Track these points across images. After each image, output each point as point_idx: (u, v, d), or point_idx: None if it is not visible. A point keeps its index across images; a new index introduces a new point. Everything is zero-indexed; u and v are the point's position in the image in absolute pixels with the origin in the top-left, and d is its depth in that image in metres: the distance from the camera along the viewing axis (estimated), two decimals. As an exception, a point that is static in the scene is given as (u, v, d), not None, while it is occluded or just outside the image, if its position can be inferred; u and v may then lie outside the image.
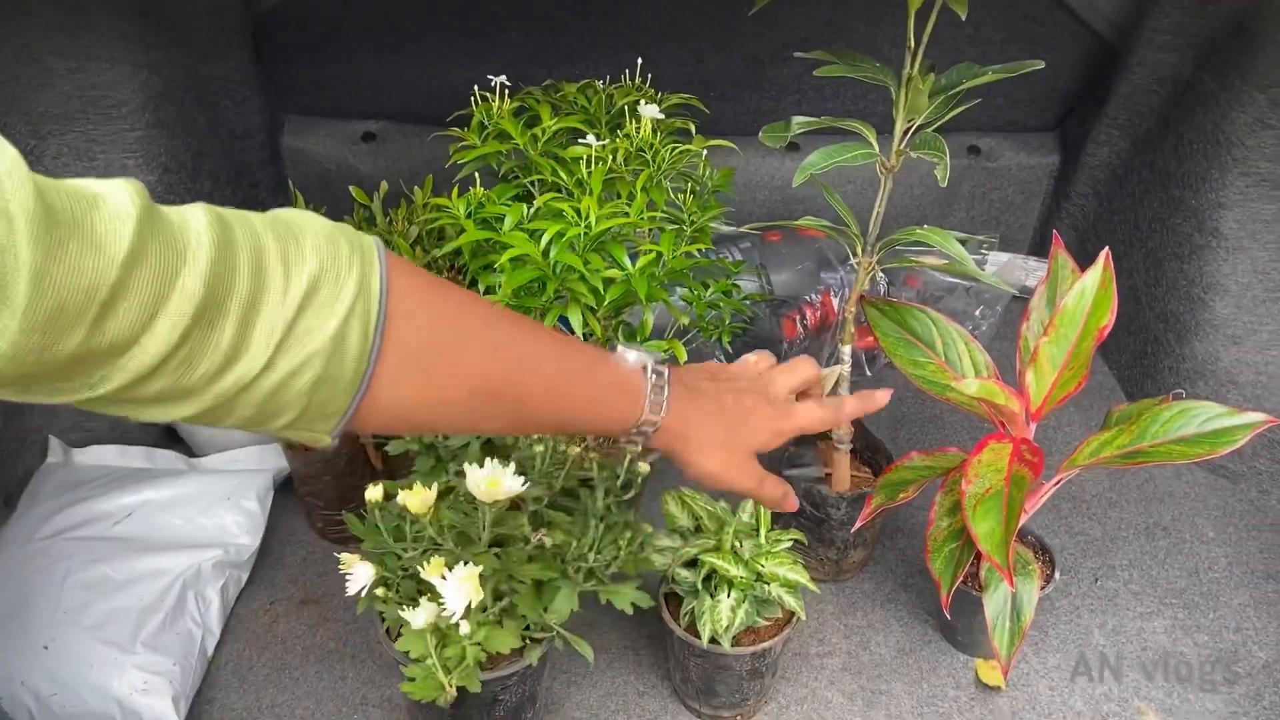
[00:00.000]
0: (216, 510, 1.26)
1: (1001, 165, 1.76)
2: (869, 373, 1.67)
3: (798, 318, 1.62)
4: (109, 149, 1.36)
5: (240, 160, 1.63)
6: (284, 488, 1.38)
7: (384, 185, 1.31)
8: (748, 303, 1.25)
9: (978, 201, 1.79)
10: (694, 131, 1.18)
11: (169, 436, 1.44)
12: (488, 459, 0.91)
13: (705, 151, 1.16)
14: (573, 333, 1.11)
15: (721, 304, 1.15)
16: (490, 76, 1.10)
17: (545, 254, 0.99)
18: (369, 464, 1.29)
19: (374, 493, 0.96)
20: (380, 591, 0.96)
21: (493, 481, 0.90)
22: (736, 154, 1.73)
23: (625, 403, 0.71)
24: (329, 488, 1.29)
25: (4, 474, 1.32)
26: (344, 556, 0.96)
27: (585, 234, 1.00)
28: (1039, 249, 1.83)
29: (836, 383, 1.21)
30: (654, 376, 0.73)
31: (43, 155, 1.32)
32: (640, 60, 1.64)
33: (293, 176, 1.77)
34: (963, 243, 1.70)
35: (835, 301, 1.65)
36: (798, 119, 1.10)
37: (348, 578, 0.95)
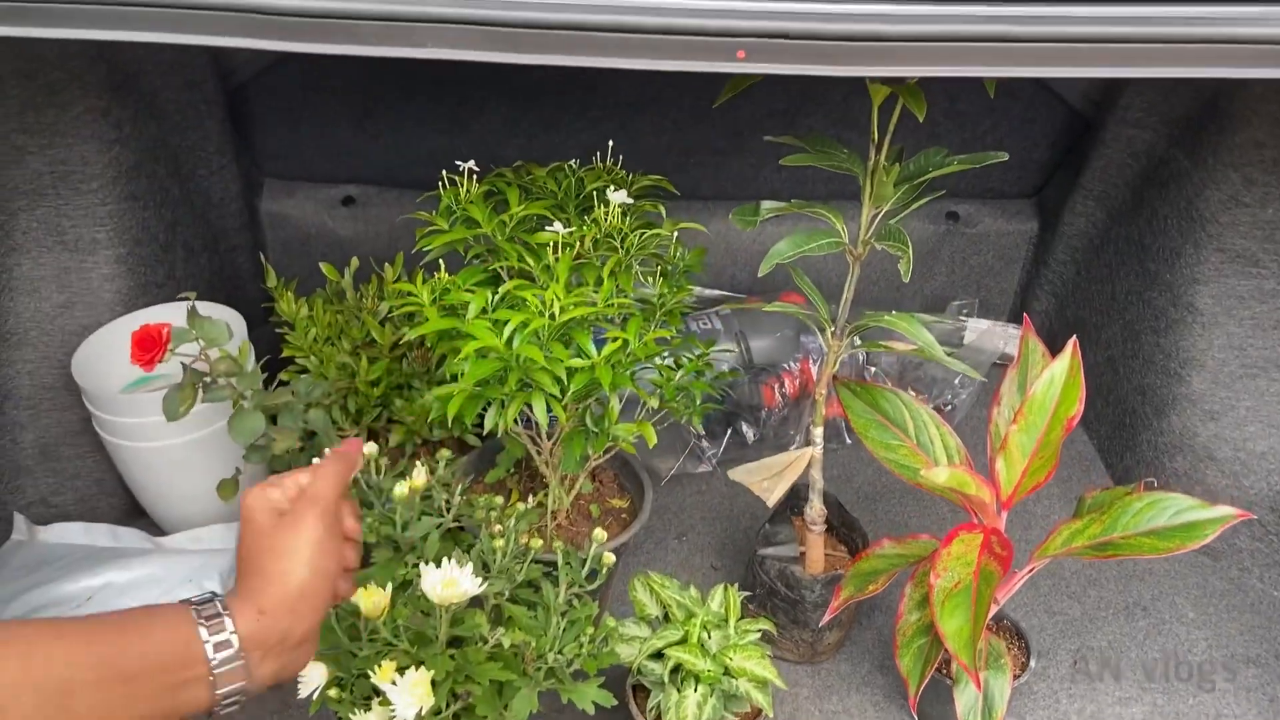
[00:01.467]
0: (178, 593, 1.23)
1: (980, 231, 1.76)
2: (849, 440, 1.66)
3: (776, 385, 1.61)
4: (79, 223, 1.35)
5: (217, 227, 1.63)
6: (252, 564, 1.36)
7: (354, 261, 1.30)
8: (720, 383, 1.24)
9: (957, 266, 1.78)
10: (664, 213, 1.17)
11: (136, 511, 1.42)
12: (445, 558, 0.90)
13: (676, 232, 1.15)
14: (532, 424, 1.10)
15: (692, 385, 1.14)
16: (459, 163, 1.09)
17: (509, 344, 0.98)
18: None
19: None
20: (334, 692, 0.94)
21: (449, 583, 0.88)
22: (717, 217, 1.74)
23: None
24: (295, 568, 1.27)
25: (-35, 552, 1.31)
26: (300, 654, 0.94)
27: (550, 323, 0.99)
28: (1019, 315, 1.82)
29: (809, 465, 1.20)
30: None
31: (12, 231, 1.32)
32: (620, 127, 1.65)
33: (272, 241, 1.76)
34: (939, 311, 1.70)
35: (814, 369, 1.64)
36: (766, 204, 1.10)
37: (300, 679, 0.93)
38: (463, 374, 0.98)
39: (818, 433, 1.19)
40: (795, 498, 1.31)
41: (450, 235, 1.05)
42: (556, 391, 0.99)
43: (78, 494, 1.40)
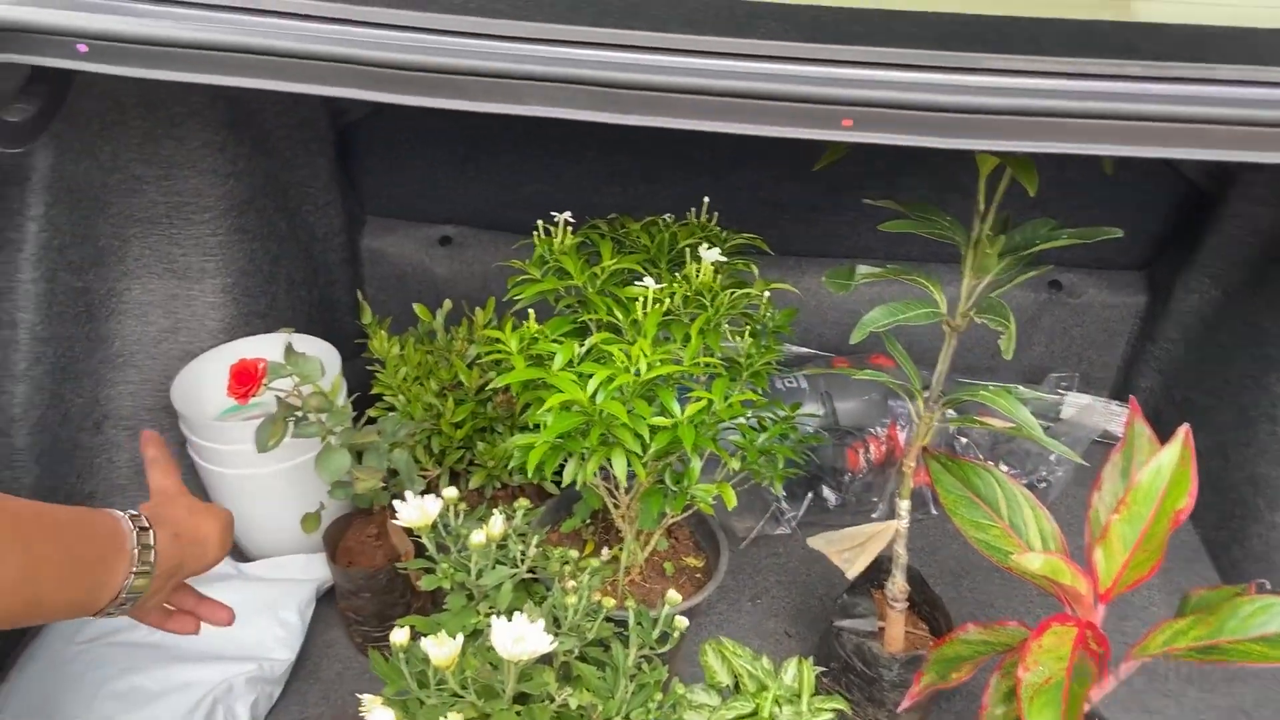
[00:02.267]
0: (256, 621, 1.25)
1: (1085, 302, 1.70)
2: (934, 511, 1.61)
3: (861, 450, 1.57)
4: (189, 252, 1.40)
5: (319, 261, 1.67)
6: (328, 596, 1.37)
7: (447, 304, 1.32)
8: (803, 445, 1.21)
9: (1058, 337, 1.72)
10: (756, 272, 1.16)
11: (222, 535, 1.45)
12: (516, 613, 0.89)
13: (767, 293, 1.14)
14: (611, 477, 1.09)
15: (775, 449, 1.12)
16: (555, 213, 1.09)
17: (593, 398, 0.97)
18: (410, 583, 1.28)
19: (399, 636, 0.94)
20: (400, 739, 0.93)
21: (519, 639, 0.87)
22: (808, 274, 1.72)
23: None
24: (368, 604, 1.27)
25: (59, 565, 1.34)
26: (365, 699, 0.93)
27: (635, 380, 0.98)
28: (1122, 391, 1.75)
29: (893, 539, 1.16)
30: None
31: (125, 256, 1.37)
32: (716, 180, 1.64)
33: (370, 277, 1.80)
34: (1037, 383, 1.64)
35: (902, 435, 1.59)
36: (862, 269, 1.08)
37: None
38: (545, 425, 0.98)
39: (904, 506, 1.15)
40: (876, 569, 1.27)
41: (542, 285, 1.05)
42: (638, 449, 0.98)
43: (168, 514, 1.44)
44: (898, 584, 1.18)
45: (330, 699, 1.28)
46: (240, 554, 1.43)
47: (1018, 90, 0.71)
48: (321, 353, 1.39)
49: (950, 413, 1.10)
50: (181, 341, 1.42)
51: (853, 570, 1.19)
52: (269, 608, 1.27)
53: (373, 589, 1.26)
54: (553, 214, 1.10)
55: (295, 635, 1.27)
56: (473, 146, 1.64)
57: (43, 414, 1.27)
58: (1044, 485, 1.58)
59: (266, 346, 1.35)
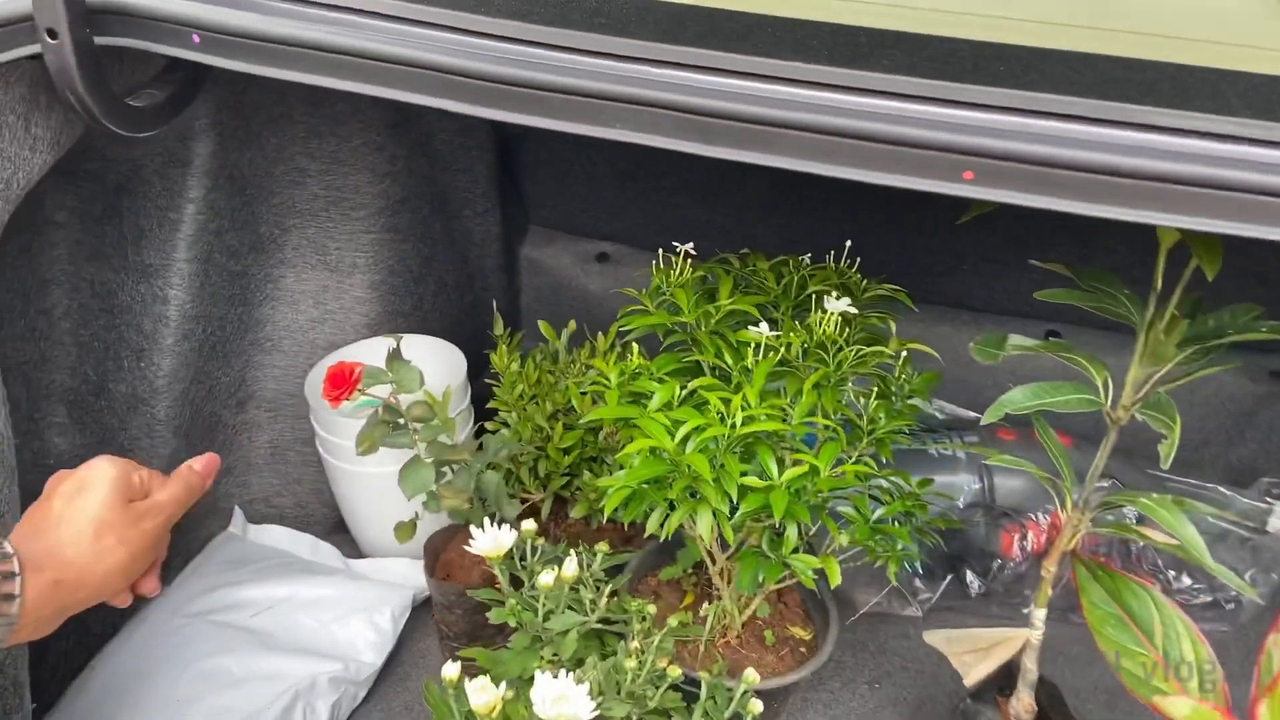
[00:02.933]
0: (350, 620, 1.25)
1: (1315, 398, 1.45)
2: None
3: (1018, 535, 1.40)
4: (343, 246, 1.43)
5: (475, 267, 1.68)
6: (427, 604, 1.36)
7: (571, 324, 1.28)
8: (934, 525, 1.08)
9: (1276, 436, 1.48)
10: (894, 328, 1.04)
11: (342, 526, 1.47)
12: (576, 667, 0.83)
13: (905, 352, 1.02)
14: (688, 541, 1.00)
15: (892, 530, 1.00)
16: (675, 243, 1.03)
17: (681, 447, 0.90)
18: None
19: (451, 671, 0.90)
20: (440, 779, 0.89)
21: (560, 699, 0.81)
22: (979, 331, 1.56)
23: None
24: (460, 621, 1.24)
25: (189, 535, 1.40)
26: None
27: (730, 433, 0.89)
28: (1352, 507, 1.48)
29: (1023, 648, 1.02)
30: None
31: (284, 246, 1.41)
32: (886, 220, 1.52)
33: (525, 286, 1.80)
34: (1244, 486, 1.41)
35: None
36: (1015, 340, 0.95)
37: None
38: (630, 468, 0.91)
39: (1038, 615, 1.00)
40: (1007, 673, 1.12)
41: (650, 319, 0.99)
42: (724, 508, 0.89)
43: (296, 499, 1.47)
44: (1024, 702, 1.03)
45: (414, 710, 1.26)
46: (354, 547, 1.44)
47: (1192, 154, 0.58)
48: (449, 360, 1.38)
49: (1108, 516, 0.94)
50: (327, 332, 1.45)
51: (970, 678, 1.05)
52: (365, 609, 1.26)
53: (465, 606, 1.23)
54: (674, 243, 1.03)
55: (386, 640, 1.26)
56: (636, 164, 1.59)
57: (186, 388, 1.32)
58: (1231, 607, 1.36)
59: (407, 347, 1.35)
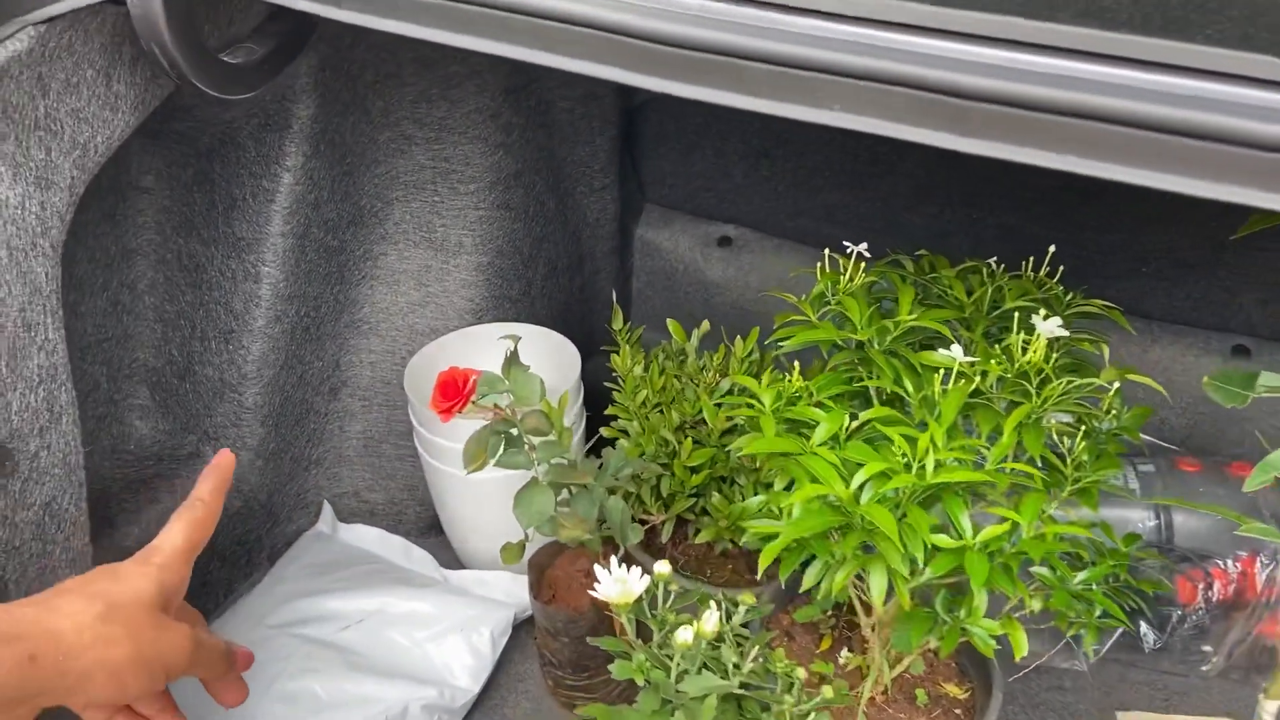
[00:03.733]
0: (446, 640, 1.14)
1: None
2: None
3: (1201, 583, 1.22)
4: (450, 223, 1.30)
5: (586, 248, 1.54)
6: (528, 623, 1.24)
7: (705, 325, 1.13)
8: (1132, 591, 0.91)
9: None
10: (1106, 355, 0.87)
11: (438, 528, 1.35)
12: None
13: (1116, 383, 0.85)
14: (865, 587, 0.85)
15: (1091, 595, 0.84)
16: (847, 243, 0.87)
17: (856, 497, 0.75)
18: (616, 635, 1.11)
19: (570, 738, 0.77)
20: None
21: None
22: (1160, 342, 1.37)
23: None
24: (566, 649, 1.12)
25: (276, 530, 1.30)
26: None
27: (916, 483, 0.74)
28: None
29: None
30: None
31: (385, 220, 1.29)
32: (1056, 214, 1.33)
33: (638, 269, 1.65)
34: None
35: (1262, 574, 1.22)
36: (1267, 380, 0.77)
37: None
38: (789, 516, 0.77)
39: (1269, 708, 0.83)
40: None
41: (814, 334, 0.83)
42: (905, 571, 0.74)
43: (389, 494, 1.36)
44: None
45: (510, 741, 1.15)
46: (451, 552, 1.33)
47: None
48: (562, 356, 1.25)
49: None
50: (428, 316, 1.32)
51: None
52: (463, 629, 1.15)
53: (572, 634, 1.10)
54: (845, 243, 0.87)
55: (485, 665, 1.14)
56: (772, 140, 1.43)
57: (276, 374, 1.21)
58: None
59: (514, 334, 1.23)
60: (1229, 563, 1.23)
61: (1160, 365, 1.38)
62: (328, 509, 1.32)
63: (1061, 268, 0.97)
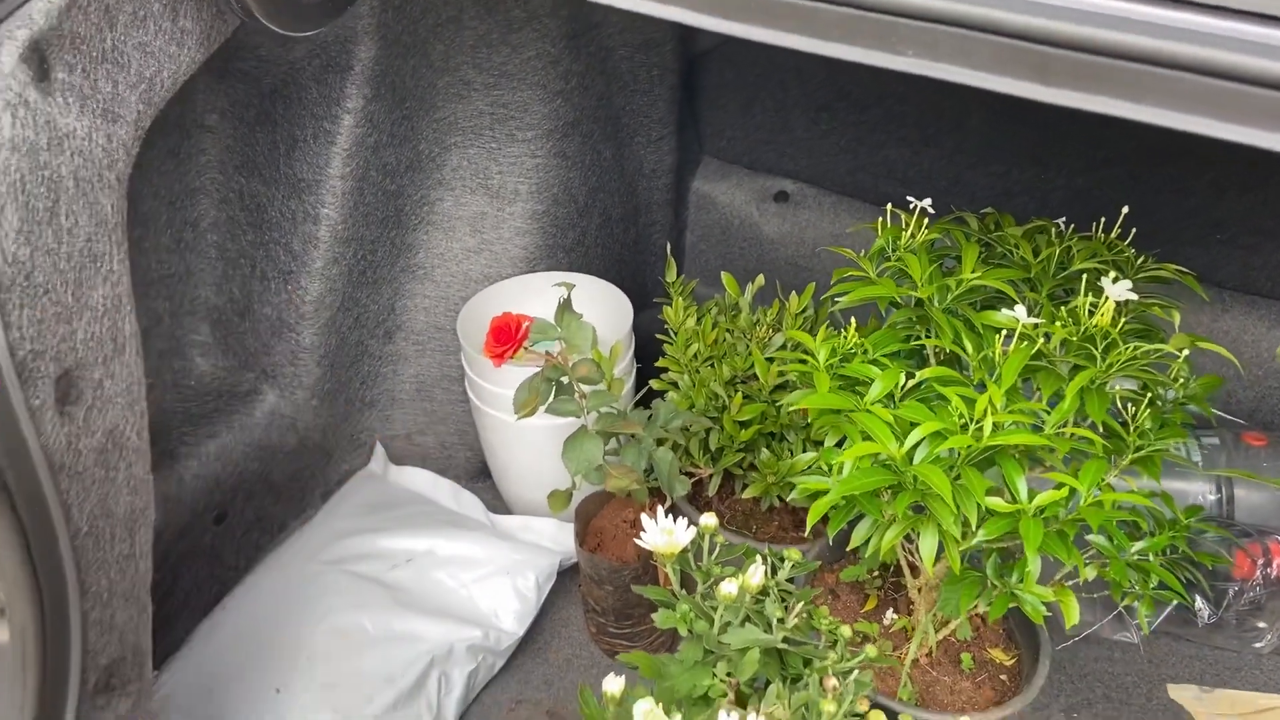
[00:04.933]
0: (492, 583, 1.15)
1: None
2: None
3: (1260, 557, 1.19)
4: (505, 171, 1.30)
5: (641, 199, 1.52)
6: (573, 570, 1.25)
7: (760, 279, 1.12)
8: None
9: None
10: (1177, 321, 0.84)
11: (486, 472, 1.37)
12: (741, 710, 0.69)
13: (1185, 350, 0.82)
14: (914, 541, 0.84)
15: (1148, 566, 0.82)
16: (910, 199, 0.85)
17: (909, 456, 0.73)
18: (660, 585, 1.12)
19: (612, 686, 0.78)
20: (590, 800, 0.77)
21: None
22: (1231, 312, 1.33)
23: None
24: (610, 597, 1.13)
25: (330, 470, 1.32)
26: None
27: (973, 445, 0.72)
28: None
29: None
30: None
31: (443, 166, 1.29)
32: (1130, 176, 1.29)
33: (693, 223, 1.63)
34: None
35: (1324, 552, 1.19)
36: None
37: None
38: (839, 473, 0.76)
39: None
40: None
41: (873, 290, 0.82)
42: (958, 532, 0.73)
43: (439, 438, 1.38)
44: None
45: (553, 685, 1.16)
46: (499, 498, 1.34)
47: None
48: (615, 304, 1.24)
49: None
50: (482, 264, 1.33)
51: (1225, 746, 0.87)
52: (509, 573, 1.16)
53: (616, 583, 1.11)
54: (908, 198, 0.85)
55: (529, 609, 1.16)
56: (835, 93, 1.39)
57: (333, 315, 1.22)
58: None
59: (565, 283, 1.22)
60: (1290, 539, 1.20)
61: (1230, 335, 1.34)
62: (380, 450, 1.34)
63: (1134, 230, 0.94)
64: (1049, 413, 0.77)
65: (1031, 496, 0.74)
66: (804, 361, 0.84)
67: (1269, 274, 1.31)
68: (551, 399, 0.92)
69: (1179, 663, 1.18)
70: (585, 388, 0.93)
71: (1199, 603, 1.18)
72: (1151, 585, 0.83)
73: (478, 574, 1.16)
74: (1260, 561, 1.19)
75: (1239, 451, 1.26)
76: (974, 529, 0.73)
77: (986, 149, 1.34)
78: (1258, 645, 1.20)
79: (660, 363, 1.13)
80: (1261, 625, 1.20)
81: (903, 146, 1.40)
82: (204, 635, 1.09)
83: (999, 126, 1.32)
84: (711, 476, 1.11)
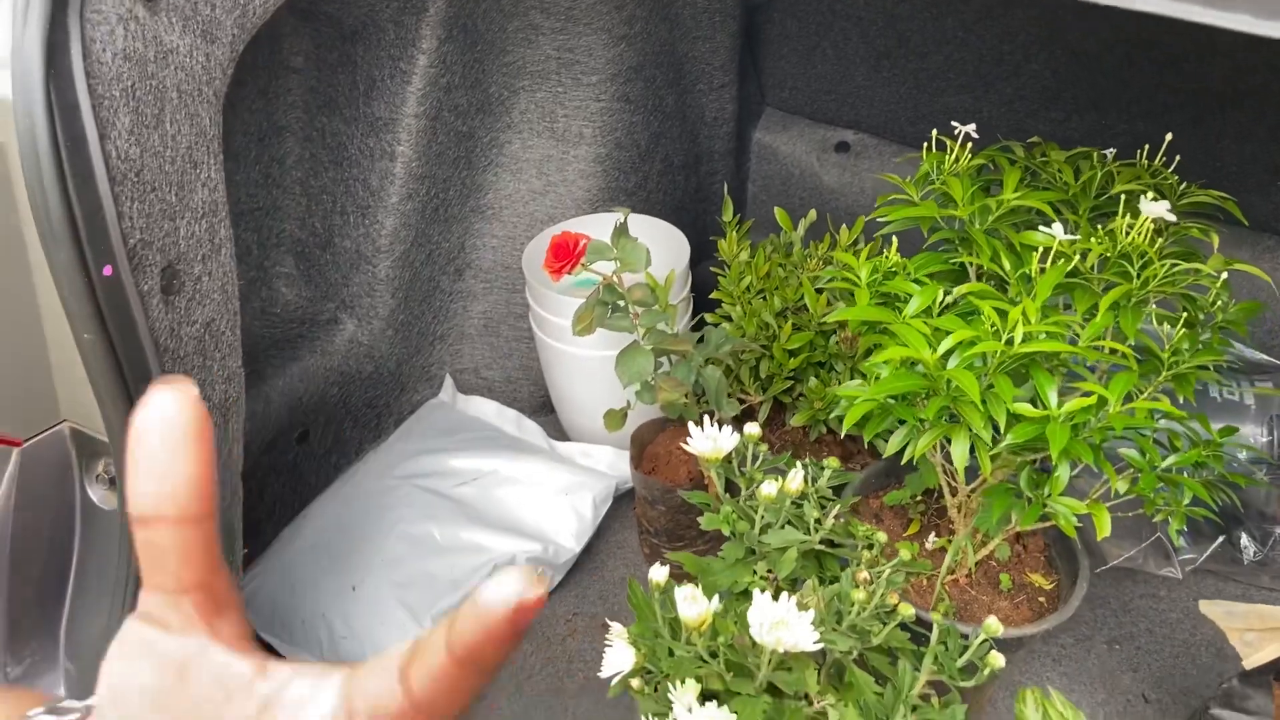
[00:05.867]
0: (552, 503, 1.22)
1: None
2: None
3: (1310, 500, 1.20)
4: (571, 114, 1.35)
5: (703, 147, 1.56)
6: (630, 494, 1.31)
7: (812, 214, 1.15)
8: (1228, 482, 0.91)
9: None
10: (1216, 244, 0.86)
11: (549, 406, 1.43)
12: (783, 595, 0.74)
13: (1225, 274, 0.84)
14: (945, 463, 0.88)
15: (1180, 480, 0.84)
16: (956, 124, 0.88)
17: (942, 361, 0.77)
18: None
19: (658, 575, 0.83)
20: (636, 683, 0.83)
21: (779, 625, 0.72)
22: (1272, 255, 1.32)
23: None
24: (662, 518, 1.18)
25: (403, 399, 1.40)
26: (615, 628, 0.84)
27: (1004, 350, 0.76)
28: None
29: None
30: None
31: (511, 109, 1.35)
32: (1193, 122, 1.29)
33: (754, 173, 1.67)
34: None
35: (1377, 497, 1.19)
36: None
37: (606, 648, 0.83)
38: (877, 379, 0.80)
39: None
40: (1290, 662, 0.95)
41: (914, 210, 0.85)
42: (987, 436, 0.77)
43: (505, 373, 1.44)
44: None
45: (607, 600, 1.22)
46: (560, 429, 1.41)
47: None
48: (674, 243, 1.29)
49: None
50: (547, 205, 1.38)
51: (1253, 659, 0.89)
52: (567, 493, 1.23)
53: (668, 504, 1.16)
54: (952, 123, 0.88)
55: (586, 527, 1.22)
56: (895, 40, 1.42)
57: (407, 250, 1.30)
58: None
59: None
60: (1344, 483, 1.20)
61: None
62: (449, 381, 1.42)
63: (1178, 158, 0.95)
64: (1084, 328, 0.79)
65: (1062, 406, 0.77)
66: (848, 281, 0.88)
67: (1335, 221, 1.31)
68: (607, 317, 0.98)
69: (1223, 601, 1.19)
70: (639, 309, 0.98)
71: (1244, 540, 1.20)
72: (1184, 502, 0.86)
73: (538, 493, 1.22)
74: (1311, 503, 1.20)
75: (1294, 396, 1.26)
76: (1003, 433, 0.77)
77: (1046, 95, 1.35)
78: (1307, 587, 1.21)
79: (714, 295, 1.18)
80: (1310, 567, 1.21)
81: (962, 93, 1.41)
82: (286, 539, 1.17)
83: (1059, 72, 1.33)
84: (762, 404, 1.15)
